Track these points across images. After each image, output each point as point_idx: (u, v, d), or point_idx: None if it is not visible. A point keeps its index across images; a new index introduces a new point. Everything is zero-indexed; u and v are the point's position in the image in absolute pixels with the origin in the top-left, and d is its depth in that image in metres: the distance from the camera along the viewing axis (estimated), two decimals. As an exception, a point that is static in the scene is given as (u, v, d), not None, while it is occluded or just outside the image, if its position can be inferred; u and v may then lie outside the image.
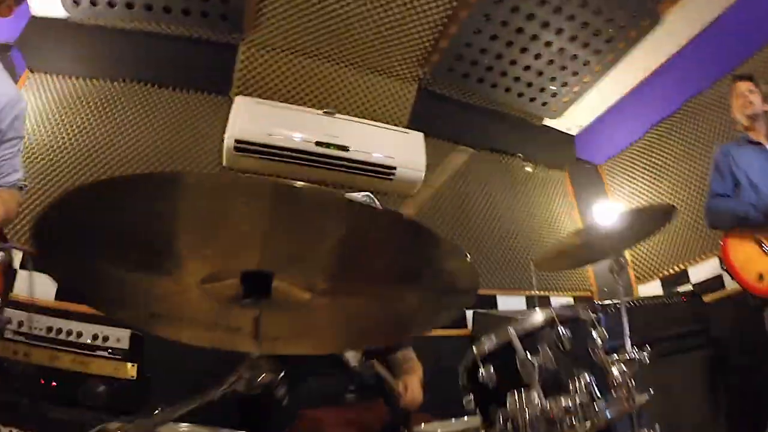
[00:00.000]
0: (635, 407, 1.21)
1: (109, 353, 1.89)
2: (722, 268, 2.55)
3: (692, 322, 2.59)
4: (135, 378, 1.89)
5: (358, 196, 2.25)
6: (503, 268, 3.34)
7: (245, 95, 2.95)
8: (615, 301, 2.55)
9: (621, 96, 3.48)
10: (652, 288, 3.33)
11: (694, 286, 3.03)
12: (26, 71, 2.72)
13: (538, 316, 1.25)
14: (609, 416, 1.10)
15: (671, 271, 3.21)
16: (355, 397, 1.95)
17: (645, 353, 1.39)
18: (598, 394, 1.12)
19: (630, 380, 1.25)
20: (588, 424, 1.05)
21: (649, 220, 1.86)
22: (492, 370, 1.22)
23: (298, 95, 3.04)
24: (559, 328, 1.20)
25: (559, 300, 3.41)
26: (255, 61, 2.88)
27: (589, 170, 3.91)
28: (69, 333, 1.90)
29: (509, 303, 3.25)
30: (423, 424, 1.69)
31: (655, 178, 3.44)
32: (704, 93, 3.17)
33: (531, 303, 3.29)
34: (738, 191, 2.34)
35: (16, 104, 1.67)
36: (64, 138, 2.64)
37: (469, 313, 3.04)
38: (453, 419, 1.69)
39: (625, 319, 1.62)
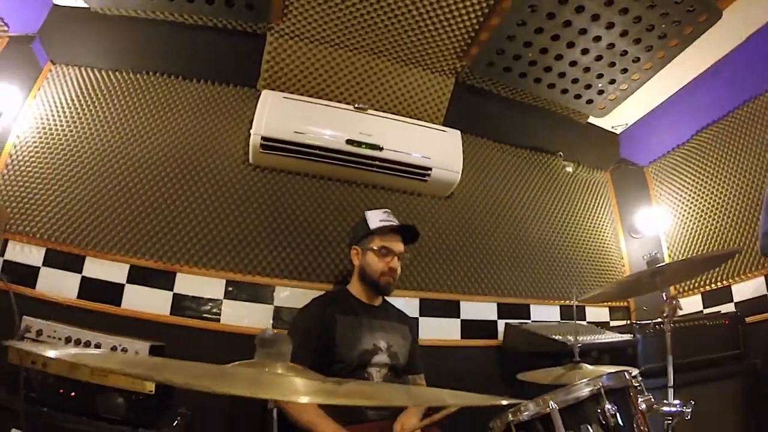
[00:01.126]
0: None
1: None
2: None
3: (732, 346, 2.44)
4: (153, 393, 1.83)
5: (379, 213, 2.21)
6: (538, 276, 3.18)
7: (273, 88, 2.83)
8: (655, 321, 2.42)
9: (669, 95, 3.24)
10: (692, 303, 3.12)
11: (736, 305, 2.83)
12: (48, 63, 2.67)
13: (584, 388, 1.16)
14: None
15: (713, 286, 3.00)
16: (377, 414, 1.89)
17: (689, 408, 1.29)
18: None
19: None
20: None
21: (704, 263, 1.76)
22: None
23: (329, 88, 2.89)
24: (606, 404, 1.10)
25: (595, 312, 3.23)
26: (283, 52, 2.74)
27: (634, 172, 3.66)
28: (88, 344, 1.86)
29: (543, 313, 3.11)
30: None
31: (701, 186, 3.21)
32: (760, 98, 2.91)
33: (565, 314, 3.13)
34: None
35: None
36: (86, 131, 2.59)
37: (501, 324, 2.92)
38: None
39: (670, 368, 1.51)
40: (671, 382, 1.59)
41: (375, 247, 2.12)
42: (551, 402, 1.12)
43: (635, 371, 1.76)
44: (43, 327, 1.84)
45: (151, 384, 1.83)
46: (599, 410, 1.12)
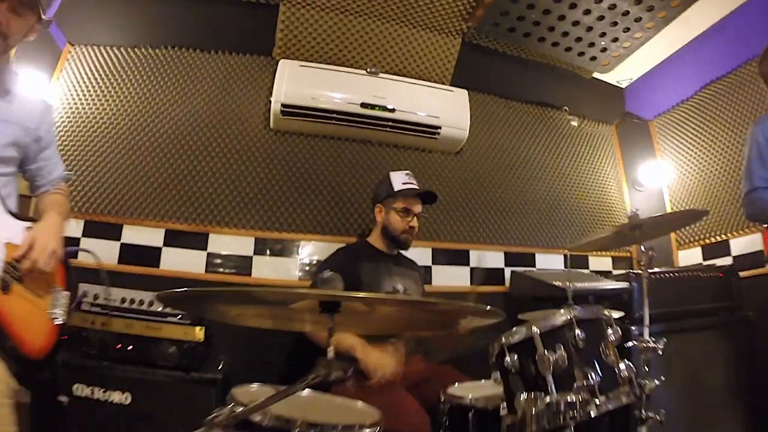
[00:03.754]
0: (643, 394, 1.34)
1: (179, 319, 2.07)
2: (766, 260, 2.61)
3: (725, 298, 2.58)
4: (202, 340, 2.07)
5: (401, 175, 2.42)
6: (543, 226, 3.37)
7: (288, 56, 2.99)
8: (656, 270, 2.58)
9: (673, 52, 3.30)
10: (691, 255, 3.29)
11: (734, 258, 2.99)
12: (67, 45, 2.80)
13: (560, 317, 1.37)
14: (610, 408, 1.23)
15: (713, 240, 3.15)
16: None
17: (661, 343, 1.50)
18: (599, 391, 1.25)
19: (644, 367, 1.38)
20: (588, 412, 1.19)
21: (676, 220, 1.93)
22: (516, 358, 1.37)
23: (341, 53, 3.04)
24: (576, 330, 1.33)
25: (597, 261, 3.43)
26: (296, 20, 2.89)
27: (638, 126, 3.77)
28: (141, 303, 2.09)
29: (547, 261, 3.32)
30: (456, 383, 1.85)
31: (705, 141, 3.31)
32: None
33: (569, 262, 3.33)
34: None
35: (48, 113, 1.75)
36: (112, 108, 2.76)
37: (508, 271, 3.14)
38: (482, 381, 1.87)
39: (646, 310, 1.70)
40: (647, 322, 1.76)
41: (398, 208, 2.34)
42: (533, 327, 1.35)
43: (616, 315, 1.96)
44: (99, 291, 2.06)
45: (201, 332, 2.06)
46: (572, 335, 1.33)
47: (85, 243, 2.53)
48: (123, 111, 2.77)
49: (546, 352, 1.28)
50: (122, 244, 2.60)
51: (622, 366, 1.33)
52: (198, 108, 2.89)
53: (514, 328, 1.41)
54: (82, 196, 2.59)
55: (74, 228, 2.53)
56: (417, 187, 2.42)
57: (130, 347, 2.01)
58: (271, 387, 1.46)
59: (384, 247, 2.41)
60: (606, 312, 1.47)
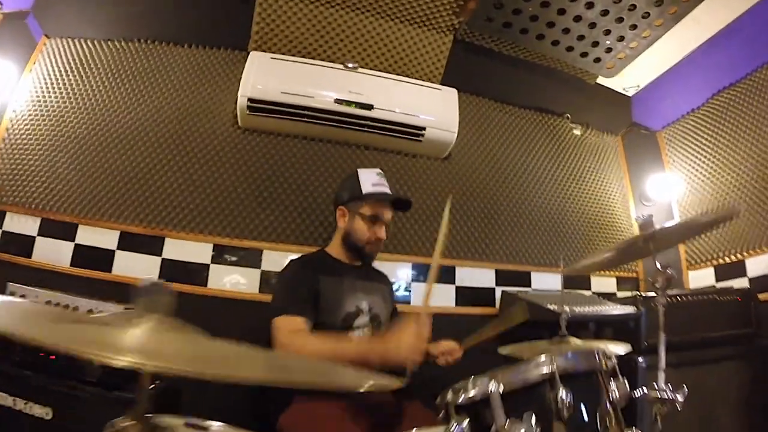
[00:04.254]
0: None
1: None
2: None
3: (744, 324, 2.28)
4: None
5: (372, 174, 2.07)
6: (540, 243, 3.04)
7: (264, 50, 2.73)
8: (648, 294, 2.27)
9: (683, 56, 3.05)
10: (703, 276, 2.97)
11: (750, 280, 2.67)
12: (42, 37, 2.67)
13: (534, 370, 0.99)
14: None
15: (727, 260, 2.83)
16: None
17: (680, 394, 1.12)
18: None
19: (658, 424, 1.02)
20: None
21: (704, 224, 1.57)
22: (465, 426, 0.99)
23: (321, 48, 2.78)
24: (559, 389, 0.94)
25: (600, 282, 3.10)
26: (273, 12, 2.64)
27: (646, 137, 3.48)
28: (66, 307, 1.87)
29: (544, 281, 2.99)
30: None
31: (717, 152, 3.02)
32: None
33: (570, 283, 3.00)
34: None
35: None
36: (79, 102, 2.60)
37: (499, 291, 2.82)
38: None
39: (662, 349, 1.34)
40: (663, 363, 1.41)
41: (366, 214, 1.99)
42: (492, 384, 0.96)
43: (618, 350, 1.61)
44: (26, 292, 1.87)
45: None
46: (553, 396, 0.94)
47: (41, 243, 2.37)
48: (89, 106, 2.60)
49: (507, 424, 0.91)
50: (76, 245, 2.40)
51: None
52: (166, 104, 2.68)
53: (471, 380, 1.05)
54: (40, 192, 2.40)
55: (31, 226, 2.37)
56: (389, 191, 2.08)
57: (53, 357, 1.76)
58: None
59: (346, 258, 2.06)
60: (606, 359, 1.10)
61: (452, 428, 0.98)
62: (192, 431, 1.16)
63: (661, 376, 1.36)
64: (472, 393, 1.01)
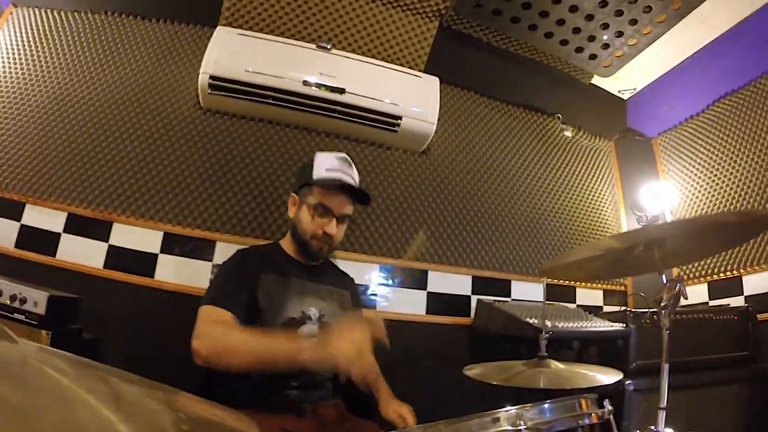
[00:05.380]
0: None
1: (26, 317, 1.67)
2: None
3: (741, 346, 2.09)
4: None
5: (330, 158, 1.75)
6: (523, 249, 2.83)
7: (234, 27, 2.51)
8: (652, 310, 2.06)
9: (686, 57, 2.89)
10: (696, 292, 2.76)
11: (746, 299, 2.47)
12: (10, 6, 2.52)
13: (494, 425, 0.76)
14: None
15: (722, 275, 2.64)
16: (298, 394, 1.56)
17: None
18: None
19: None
20: None
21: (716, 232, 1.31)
22: None
23: (296, 28, 2.57)
24: None
25: (586, 293, 2.89)
26: (246, -14, 2.43)
27: (640, 143, 3.28)
28: None
29: (526, 291, 2.77)
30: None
31: (716, 162, 2.83)
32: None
33: (553, 294, 2.79)
34: None
35: None
36: (39, 74, 2.43)
37: (474, 299, 2.60)
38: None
39: (665, 380, 1.10)
40: (664, 403, 1.17)
41: (311, 203, 1.68)
42: None
43: (607, 379, 1.38)
44: None
45: (47, 338, 1.66)
46: None
47: None
48: (48, 78, 2.43)
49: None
50: (22, 225, 2.22)
51: None
52: (127, 81, 2.49)
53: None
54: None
55: None
56: (350, 179, 1.71)
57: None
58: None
59: (297, 255, 1.77)
60: (596, 411, 0.88)
61: None
62: None
63: (662, 418, 1.12)
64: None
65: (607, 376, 1.37)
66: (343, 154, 1.77)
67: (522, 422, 0.74)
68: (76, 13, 2.55)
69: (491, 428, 0.75)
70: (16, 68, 2.42)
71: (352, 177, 1.73)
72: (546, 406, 0.81)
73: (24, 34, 2.48)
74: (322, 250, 1.72)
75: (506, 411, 0.77)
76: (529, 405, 0.78)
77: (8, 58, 2.43)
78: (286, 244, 1.80)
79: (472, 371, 1.51)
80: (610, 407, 0.92)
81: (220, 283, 1.63)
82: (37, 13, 2.52)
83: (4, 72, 2.40)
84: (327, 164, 1.70)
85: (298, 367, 1.32)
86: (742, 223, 1.31)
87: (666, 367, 1.19)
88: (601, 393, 1.04)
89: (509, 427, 0.75)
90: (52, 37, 2.49)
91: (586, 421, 0.84)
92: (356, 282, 2.01)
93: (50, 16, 2.53)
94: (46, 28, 2.50)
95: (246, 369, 1.35)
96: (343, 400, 1.70)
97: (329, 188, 1.68)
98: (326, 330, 1.54)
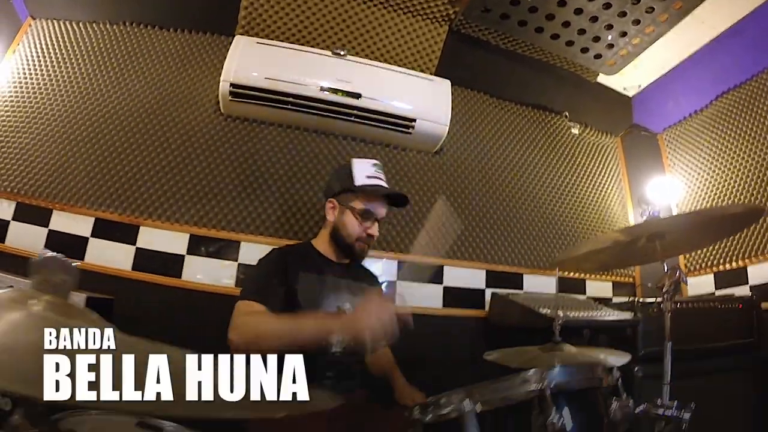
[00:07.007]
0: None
1: None
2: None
3: (746, 334, 2.15)
4: None
5: (367, 165, 1.90)
6: (534, 244, 2.92)
7: (251, 35, 2.62)
8: (659, 300, 2.15)
9: (688, 55, 2.95)
10: (702, 283, 2.82)
11: (752, 288, 2.53)
12: (28, 18, 2.61)
13: (520, 387, 0.83)
14: None
15: (728, 266, 2.70)
16: (332, 383, 1.66)
17: (687, 412, 0.98)
18: None
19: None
20: None
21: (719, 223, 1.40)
22: None
23: (311, 35, 2.67)
24: (551, 413, 0.79)
25: (596, 285, 2.97)
26: (263, -4, 2.53)
27: (647, 139, 3.35)
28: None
29: (538, 284, 2.86)
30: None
31: (721, 157, 2.89)
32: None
33: (564, 286, 2.88)
34: None
35: None
36: (60, 85, 2.52)
37: (489, 293, 2.69)
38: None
39: (668, 360, 1.20)
40: (668, 378, 1.28)
41: (358, 209, 1.81)
42: (466, 402, 0.82)
43: (617, 361, 1.47)
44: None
45: None
46: (542, 420, 0.80)
47: (15, 227, 2.29)
48: (70, 88, 2.52)
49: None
50: (50, 231, 2.31)
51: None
52: (148, 89, 2.59)
53: (444, 396, 0.91)
54: (17, 175, 2.32)
55: (5, 209, 2.29)
56: (385, 184, 1.89)
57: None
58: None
59: (332, 254, 1.89)
60: (607, 373, 0.97)
61: None
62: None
63: (666, 391, 1.23)
64: (443, 411, 0.88)
65: (617, 358, 1.47)
66: (376, 161, 1.94)
67: (544, 380, 0.83)
68: (94, 24, 2.64)
69: (519, 387, 0.84)
70: (37, 79, 2.50)
71: (386, 182, 1.90)
72: (567, 369, 0.91)
73: (43, 46, 2.56)
74: (365, 250, 1.86)
75: (529, 373, 0.87)
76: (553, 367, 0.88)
77: (29, 70, 2.51)
78: (320, 244, 1.91)
79: (491, 356, 1.63)
80: (618, 374, 1.01)
81: (255, 279, 1.75)
82: (55, 24, 2.61)
83: (26, 84, 2.49)
84: (366, 171, 1.86)
85: (327, 342, 1.41)
86: (732, 215, 1.42)
87: (669, 345, 1.29)
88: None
89: (533, 386, 0.83)
90: (72, 49, 2.58)
91: (601, 383, 0.92)
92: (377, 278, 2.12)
93: (69, 28, 2.62)
94: (65, 39, 2.59)
95: (279, 351, 1.46)
96: (367, 390, 1.80)
97: (375, 195, 1.83)
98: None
